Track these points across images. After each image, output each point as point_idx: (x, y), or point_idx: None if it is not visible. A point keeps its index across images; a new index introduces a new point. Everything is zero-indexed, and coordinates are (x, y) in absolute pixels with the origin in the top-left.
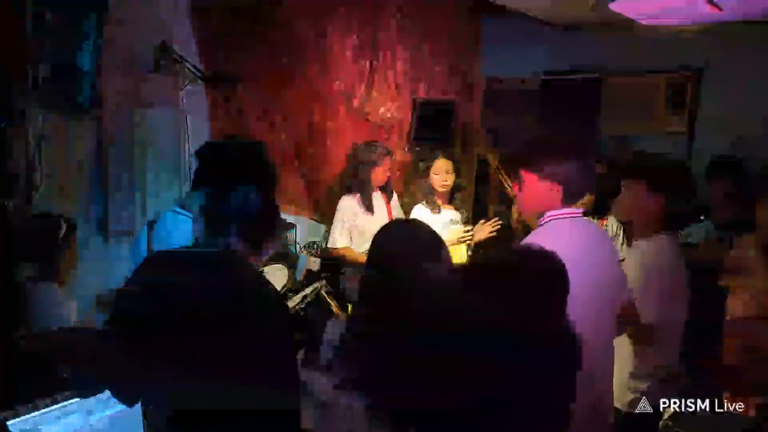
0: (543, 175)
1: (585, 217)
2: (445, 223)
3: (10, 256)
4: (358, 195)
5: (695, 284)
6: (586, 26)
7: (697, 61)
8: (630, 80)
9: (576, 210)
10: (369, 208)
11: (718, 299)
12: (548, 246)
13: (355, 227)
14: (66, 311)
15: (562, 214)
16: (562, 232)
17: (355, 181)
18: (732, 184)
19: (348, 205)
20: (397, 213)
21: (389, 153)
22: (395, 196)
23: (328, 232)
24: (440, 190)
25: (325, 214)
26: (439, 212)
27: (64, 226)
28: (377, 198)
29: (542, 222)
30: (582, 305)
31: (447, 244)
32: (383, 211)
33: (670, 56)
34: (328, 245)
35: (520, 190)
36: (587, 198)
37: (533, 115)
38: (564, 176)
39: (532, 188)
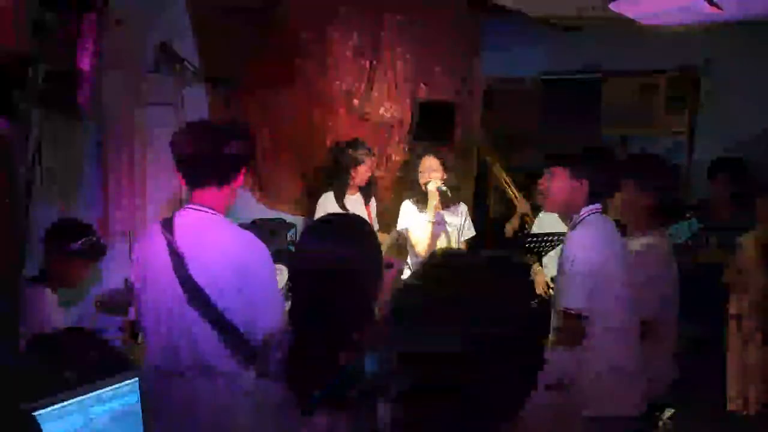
0: (573, 173)
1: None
2: (434, 222)
3: (14, 257)
4: (335, 192)
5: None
6: (586, 26)
7: (697, 61)
8: (630, 80)
9: (597, 206)
10: (342, 206)
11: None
12: (593, 237)
13: None
14: (61, 312)
15: (592, 209)
16: (601, 225)
17: (335, 179)
18: (734, 183)
19: (328, 202)
20: (376, 215)
21: (371, 153)
22: (373, 199)
23: None
24: (424, 188)
25: None
26: (423, 211)
27: (88, 239)
28: (356, 199)
29: (582, 217)
30: (615, 288)
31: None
32: (363, 213)
33: (670, 56)
34: None
35: (549, 185)
36: None
37: (533, 116)
38: (592, 175)
39: (562, 184)
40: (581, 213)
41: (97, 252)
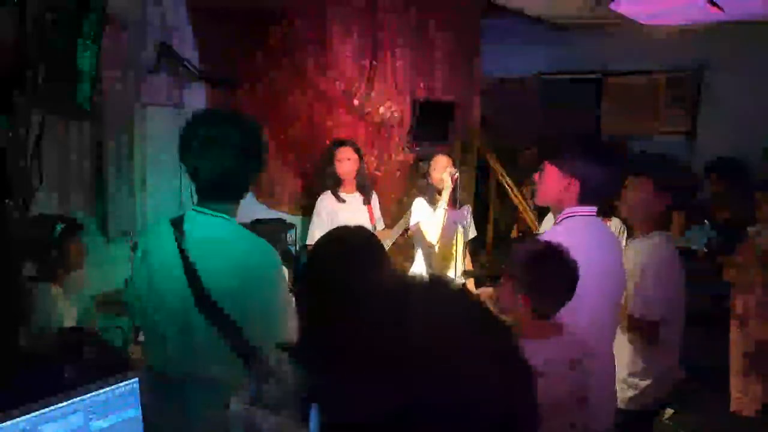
0: (565, 170)
1: (596, 217)
2: (447, 209)
3: (10, 256)
4: (330, 191)
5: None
6: (586, 26)
7: (697, 60)
8: (630, 80)
9: (591, 208)
10: (338, 199)
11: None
12: (565, 241)
13: (336, 223)
14: (61, 312)
15: (578, 212)
16: (579, 229)
17: (326, 177)
18: (732, 182)
19: (325, 200)
20: (378, 213)
21: (346, 143)
22: (375, 196)
23: None
24: (440, 187)
25: None
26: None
27: (59, 228)
28: (355, 198)
29: (560, 219)
30: (592, 295)
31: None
32: (363, 212)
33: (670, 56)
34: (307, 242)
35: (540, 179)
36: None
37: (533, 115)
38: (584, 175)
39: (552, 180)
40: (563, 213)
41: (75, 228)
